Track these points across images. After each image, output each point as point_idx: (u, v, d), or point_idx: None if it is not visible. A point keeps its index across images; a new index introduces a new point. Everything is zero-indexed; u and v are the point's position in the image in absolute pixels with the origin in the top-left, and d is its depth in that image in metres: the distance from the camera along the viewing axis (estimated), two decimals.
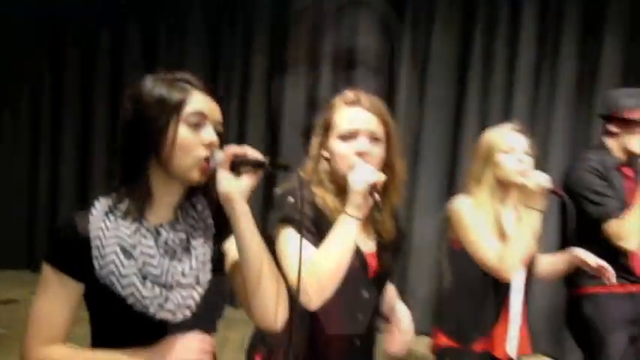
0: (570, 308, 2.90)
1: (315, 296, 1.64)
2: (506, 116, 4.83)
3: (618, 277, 2.64)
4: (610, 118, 2.88)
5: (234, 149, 1.45)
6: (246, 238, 1.46)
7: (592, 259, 2.50)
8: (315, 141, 1.92)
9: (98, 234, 1.41)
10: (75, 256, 1.42)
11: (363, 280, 1.84)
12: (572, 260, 2.57)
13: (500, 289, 2.35)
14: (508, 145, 2.38)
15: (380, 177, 1.71)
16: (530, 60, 5.01)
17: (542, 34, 5.04)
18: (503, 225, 2.37)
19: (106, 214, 1.44)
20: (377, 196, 1.69)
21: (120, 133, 1.48)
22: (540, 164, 2.47)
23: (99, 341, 1.49)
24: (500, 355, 2.39)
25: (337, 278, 1.68)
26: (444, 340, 2.46)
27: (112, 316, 1.44)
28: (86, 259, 1.41)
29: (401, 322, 2.02)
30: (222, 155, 1.44)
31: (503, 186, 2.41)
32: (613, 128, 2.88)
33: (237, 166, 1.44)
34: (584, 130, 4.90)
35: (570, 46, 4.93)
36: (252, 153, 1.45)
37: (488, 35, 5.14)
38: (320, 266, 1.66)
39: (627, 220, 2.66)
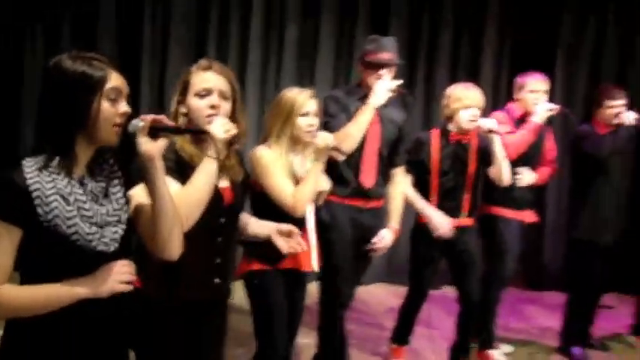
0: None
1: (185, 221, 2.06)
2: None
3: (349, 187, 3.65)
4: (359, 57, 3.73)
5: (153, 117, 1.85)
6: (160, 188, 1.88)
7: None
8: (174, 100, 2.36)
9: (37, 186, 1.71)
10: (16, 205, 1.70)
11: (220, 209, 2.33)
12: None
13: (296, 219, 2.91)
14: (305, 109, 3.02)
15: (234, 128, 2.21)
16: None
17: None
18: (296, 172, 3.01)
19: (40, 169, 1.73)
20: (236, 144, 2.30)
21: (43, 106, 1.79)
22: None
23: (31, 281, 1.78)
24: (305, 269, 3.07)
25: (202, 207, 2.14)
26: (254, 265, 2.99)
27: (54, 254, 1.75)
28: (27, 207, 1.70)
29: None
30: (142, 123, 1.83)
31: (297, 141, 3.05)
32: (360, 66, 3.71)
33: (155, 131, 1.84)
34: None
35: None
36: (168, 121, 1.89)
37: None
38: (189, 197, 2.11)
39: (340, 131, 3.45)
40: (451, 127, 3.94)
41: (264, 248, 2.75)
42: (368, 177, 3.66)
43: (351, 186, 3.62)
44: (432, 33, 6.13)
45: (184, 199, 2.10)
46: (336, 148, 3.02)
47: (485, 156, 3.98)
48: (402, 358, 4.28)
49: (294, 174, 3.02)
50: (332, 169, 3.45)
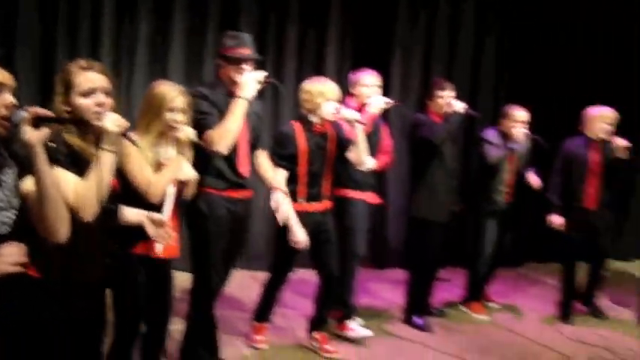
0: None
1: (87, 209, 2.31)
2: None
3: (228, 181, 3.83)
4: (218, 54, 3.87)
5: (36, 110, 2.05)
6: (44, 173, 2.07)
7: None
8: (57, 99, 2.46)
9: None
10: None
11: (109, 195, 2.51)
12: None
13: (154, 205, 3.11)
14: (173, 104, 3.23)
15: (125, 122, 2.41)
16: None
17: None
18: (158, 161, 3.21)
19: None
20: (131, 136, 2.48)
21: None
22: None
23: None
24: (157, 255, 3.22)
25: (102, 196, 2.35)
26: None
27: None
28: None
29: None
30: (25, 114, 2.02)
31: (163, 134, 3.25)
32: (220, 62, 3.85)
33: (37, 122, 2.03)
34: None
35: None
36: (49, 112, 2.11)
37: None
38: (89, 187, 2.31)
39: (218, 129, 3.62)
40: (314, 118, 4.27)
41: (121, 233, 2.89)
42: (244, 167, 3.88)
43: (228, 178, 3.82)
44: (279, 29, 6.41)
45: (85, 190, 2.29)
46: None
47: (342, 143, 4.37)
48: (263, 334, 4.58)
49: (159, 164, 3.22)
50: (208, 163, 3.68)
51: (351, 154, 4.36)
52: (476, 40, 7.27)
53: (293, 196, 4.22)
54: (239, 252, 4.09)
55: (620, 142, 5.35)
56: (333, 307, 4.87)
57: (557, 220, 5.54)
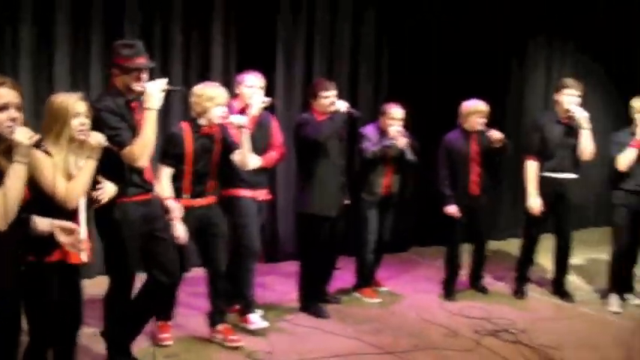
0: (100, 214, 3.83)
1: (4, 218, 2.49)
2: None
3: (138, 187, 3.89)
4: (113, 64, 3.87)
5: None
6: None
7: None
8: None
9: None
10: None
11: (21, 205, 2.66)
12: None
13: (69, 211, 3.23)
14: (77, 110, 3.34)
15: (36, 135, 2.58)
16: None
17: None
18: (70, 169, 3.32)
19: None
20: (44, 146, 2.65)
21: None
22: None
23: None
24: (73, 261, 3.30)
25: (17, 204, 2.53)
26: (29, 257, 3.15)
27: None
28: None
29: None
30: None
31: (73, 140, 3.34)
32: (116, 71, 3.85)
33: None
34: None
35: None
36: None
37: None
38: (4, 197, 2.47)
39: (137, 145, 3.71)
40: (202, 121, 4.47)
41: (36, 242, 2.96)
42: (149, 174, 4.00)
43: (137, 184, 3.89)
44: (164, 33, 6.45)
45: (1, 200, 2.39)
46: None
47: (228, 145, 4.58)
48: (168, 332, 4.70)
49: (69, 173, 3.32)
50: (118, 172, 3.72)
51: (236, 157, 4.59)
52: (354, 40, 7.59)
53: (178, 192, 4.44)
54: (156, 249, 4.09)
55: (495, 135, 5.83)
56: (233, 301, 5.09)
57: (452, 209, 5.97)
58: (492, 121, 6.09)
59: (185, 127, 4.48)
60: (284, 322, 5.26)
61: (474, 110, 5.93)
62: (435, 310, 5.77)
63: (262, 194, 5.17)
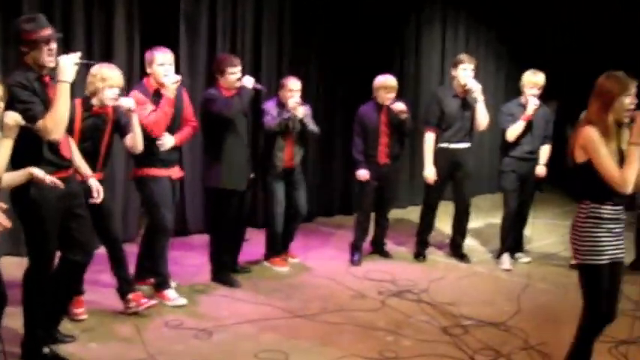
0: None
1: None
2: None
3: (54, 165, 3.83)
4: (20, 41, 3.75)
5: None
6: None
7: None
8: None
9: None
10: None
11: None
12: None
13: None
14: None
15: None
16: None
17: None
18: None
19: None
20: None
21: None
22: None
23: None
24: None
25: None
26: None
27: None
28: None
29: None
30: None
31: None
32: (24, 48, 3.73)
33: None
34: None
35: None
36: None
37: None
38: None
39: (50, 117, 3.63)
40: (94, 101, 4.54)
41: None
42: (66, 150, 3.97)
43: (54, 162, 3.84)
44: (65, 11, 6.29)
45: None
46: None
47: (120, 128, 4.69)
48: (81, 306, 4.74)
49: None
50: (34, 151, 3.71)
51: (128, 141, 4.71)
52: (256, 15, 7.70)
53: None
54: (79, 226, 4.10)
55: (398, 106, 6.14)
56: (148, 275, 5.20)
57: (363, 173, 6.30)
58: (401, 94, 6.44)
59: (77, 105, 4.50)
60: (196, 293, 5.40)
61: (382, 85, 6.26)
62: (342, 275, 6.05)
63: (176, 172, 5.26)
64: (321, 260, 6.57)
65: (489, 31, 10.54)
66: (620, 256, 3.63)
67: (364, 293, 5.51)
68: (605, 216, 3.53)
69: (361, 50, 8.44)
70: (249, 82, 5.40)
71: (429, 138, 6.39)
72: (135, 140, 4.66)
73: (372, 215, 6.63)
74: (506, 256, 6.44)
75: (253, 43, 7.69)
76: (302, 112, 5.89)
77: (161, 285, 5.15)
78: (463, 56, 6.42)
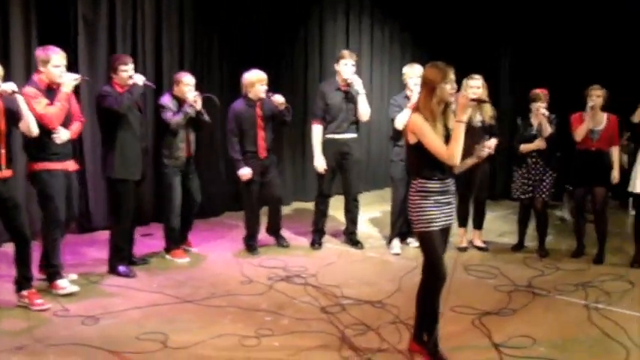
0: None
1: None
2: None
3: None
4: None
5: None
6: None
7: None
8: None
9: None
10: None
11: None
12: None
13: None
14: None
15: None
16: None
17: None
18: None
19: None
20: None
21: None
22: None
23: None
24: None
25: None
26: None
27: None
28: None
29: None
30: None
31: None
32: None
33: None
34: None
35: None
36: None
37: None
38: None
39: None
40: None
41: None
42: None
43: None
44: None
45: None
46: None
47: (12, 115, 4.82)
48: None
49: None
50: None
51: (22, 126, 4.85)
52: (157, 13, 7.89)
53: None
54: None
55: (278, 98, 6.42)
56: (44, 269, 5.37)
57: (245, 172, 6.52)
58: (277, 88, 6.73)
59: None
60: (92, 284, 5.58)
61: (258, 79, 6.53)
62: (237, 264, 6.32)
63: (71, 165, 5.42)
64: (220, 251, 6.83)
65: (395, 21, 10.99)
66: (449, 222, 4.10)
67: (254, 279, 5.78)
68: (432, 189, 3.95)
69: (264, 44, 8.78)
70: (139, 79, 5.65)
71: (316, 129, 6.74)
72: (27, 123, 4.79)
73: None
74: (396, 241, 6.82)
75: (154, 44, 7.86)
76: (200, 104, 6.19)
77: (53, 275, 5.31)
78: (344, 52, 6.78)
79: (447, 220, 4.05)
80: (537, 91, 6.75)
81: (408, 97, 6.54)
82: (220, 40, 8.56)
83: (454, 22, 11.43)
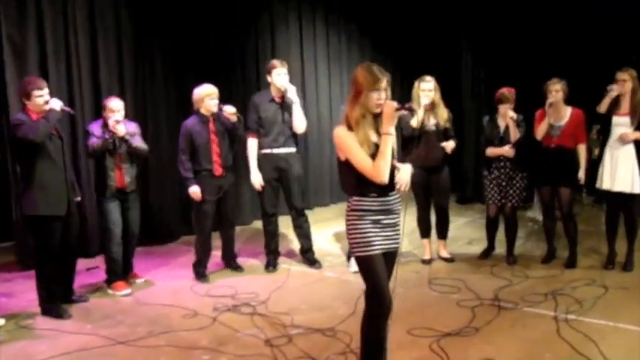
0: None
1: None
2: None
3: None
4: None
5: None
6: None
7: None
8: None
9: None
10: None
11: None
12: None
13: None
14: None
15: None
16: None
17: None
18: None
19: None
20: None
21: None
22: None
23: None
24: None
25: None
26: None
27: None
28: None
29: None
30: None
31: None
32: None
33: None
34: None
35: None
36: None
37: None
38: None
39: None
40: None
41: None
42: None
43: None
44: None
45: None
46: None
47: None
48: None
49: None
50: None
51: None
52: (92, 34, 7.47)
53: None
54: None
55: (229, 109, 6.09)
56: None
57: (193, 189, 6.13)
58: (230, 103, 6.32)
59: None
60: (20, 329, 5.12)
61: (207, 93, 6.13)
62: (183, 294, 5.88)
63: None
64: (169, 280, 6.39)
65: (351, 25, 10.64)
66: (394, 246, 3.60)
67: (198, 311, 5.33)
68: (369, 208, 3.50)
69: (213, 56, 8.41)
70: (56, 104, 5.21)
71: (251, 143, 6.39)
72: None
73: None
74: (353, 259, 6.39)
75: (90, 63, 7.42)
76: (123, 130, 5.73)
77: None
78: (275, 62, 6.38)
79: (390, 244, 3.57)
80: (504, 90, 6.37)
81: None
82: (163, 55, 8.12)
83: (413, 22, 11.14)
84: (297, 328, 4.85)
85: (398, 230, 3.62)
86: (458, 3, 10.48)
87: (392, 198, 3.56)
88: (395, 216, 3.59)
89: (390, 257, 3.60)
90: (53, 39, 7.03)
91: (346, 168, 3.52)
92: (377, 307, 3.54)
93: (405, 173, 3.54)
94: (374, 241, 3.50)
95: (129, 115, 7.28)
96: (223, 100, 6.28)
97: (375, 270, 3.50)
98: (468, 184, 10.55)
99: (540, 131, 6.13)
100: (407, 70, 10.27)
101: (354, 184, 3.51)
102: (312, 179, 10.11)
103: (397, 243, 3.62)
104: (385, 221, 3.54)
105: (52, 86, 6.80)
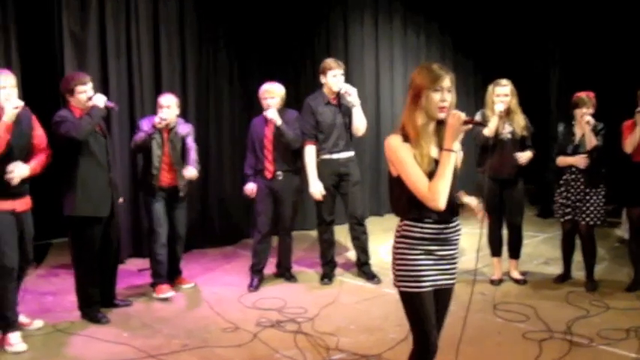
0: None
1: None
2: None
3: None
4: None
5: None
6: None
7: None
8: None
9: None
10: None
11: None
12: None
13: None
14: None
15: None
16: None
17: None
18: None
19: None
20: None
21: None
22: None
23: None
24: None
25: None
26: None
27: None
28: None
29: None
30: None
31: None
32: None
33: None
34: None
35: None
36: None
37: None
38: None
39: None
40: None
41: None
42: None
43: None
44: None
45: None
46: None
47: None
48: None
49: None
50: None
51: None
52: (154, 28, 7.24)
53: None
54: None
55: (269, 114, 5.79)
56: None
57: (249, 187, 5.97)
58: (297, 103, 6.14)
59: None
60: (57, 333, 4.91)
61: (260, 92, 5.93)
62: (229, 304, 5.55)
63: (21, 204, 4.63)
64: (218, 286, 6.09)
65: (431, 24, 10.11)
66: (448, 283, 3.07)
67: (240, 325, 4.98)
68: (421, 236, 2.96)
69: (282, 46, 8.16)
70: (100, 100, 4.96)
71: (309, 151, 5.94)
72: None
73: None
74: None
75: (152, 57, 7.19)
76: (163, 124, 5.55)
77: (5, 328, 4.62)
78: (331, 62, 5.94)
79: (444, 279, 3.03)
80: (582, 94, 5.72)
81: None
82: (228, 49, 7.83)
83: (498, 22, 10.46)
84: (341, 353, 4.43)
85: (455, 264, 3.08)
86: (545, 6, 9.76)
87: (452, 225, 3.03)
88: (453, 247, 3.05)
89: (443, 295, 3.08)
90: (114, 31, 6.84)
91: (398, 186, 2.99)
92: (421, 351, 3.05)
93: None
94: (425, 275, 2.97)
95: (190, 111, 7.07)
96: (289, 100, 6.07)
97: (423, 311, 2.98)
98: (553, 196, 9.82)
99: (630, 144, 5.48)
100: (490, 72, 9.63)
101: (407, 206, 2.98)
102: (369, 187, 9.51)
103: (453, 279, 3.09)
104: (440, 252, 3.00)
105: (112, 81, 6.71)
